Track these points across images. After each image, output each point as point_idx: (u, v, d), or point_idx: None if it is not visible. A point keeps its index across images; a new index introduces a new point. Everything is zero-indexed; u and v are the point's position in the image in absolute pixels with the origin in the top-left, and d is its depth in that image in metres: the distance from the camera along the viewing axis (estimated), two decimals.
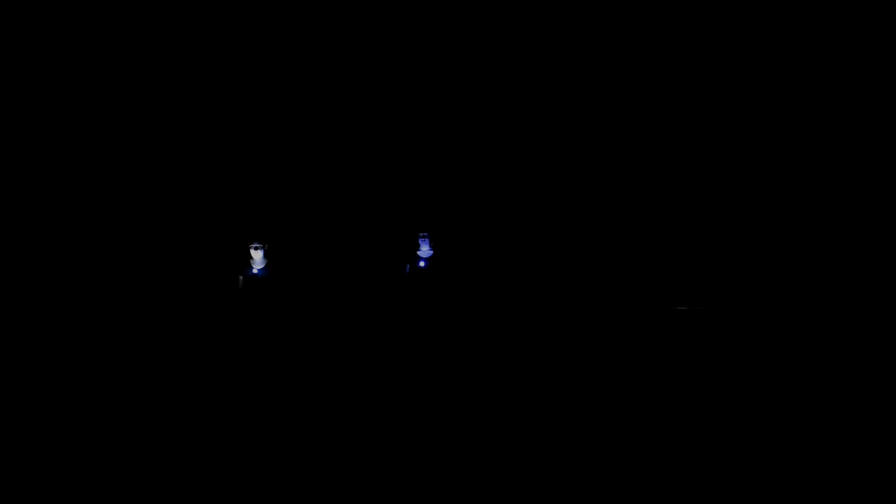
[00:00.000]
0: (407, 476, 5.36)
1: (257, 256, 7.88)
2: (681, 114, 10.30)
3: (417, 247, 9.06)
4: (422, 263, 9.00)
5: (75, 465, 5.46)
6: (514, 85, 10.72)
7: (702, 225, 9.95)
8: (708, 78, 10.17)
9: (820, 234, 9.45)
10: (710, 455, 5.74)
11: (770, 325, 8.42)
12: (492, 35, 10.56)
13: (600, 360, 8.20)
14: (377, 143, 10.87)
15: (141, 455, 5.69)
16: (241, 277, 7.91)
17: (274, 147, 10.53)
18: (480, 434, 6.36)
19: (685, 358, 8.06)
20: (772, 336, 8.22)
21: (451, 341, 8.47)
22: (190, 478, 5.28)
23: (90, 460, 5.58)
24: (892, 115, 9.41)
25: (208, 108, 10.22)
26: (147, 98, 9.98)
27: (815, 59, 9.74)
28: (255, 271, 7.87)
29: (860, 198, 9.45)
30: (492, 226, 10.53)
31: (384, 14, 10.45)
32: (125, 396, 7.26)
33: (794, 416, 6.67)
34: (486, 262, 9.89)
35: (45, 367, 7.85)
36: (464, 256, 8.96)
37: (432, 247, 9.07)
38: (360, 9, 10.40)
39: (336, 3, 10.36)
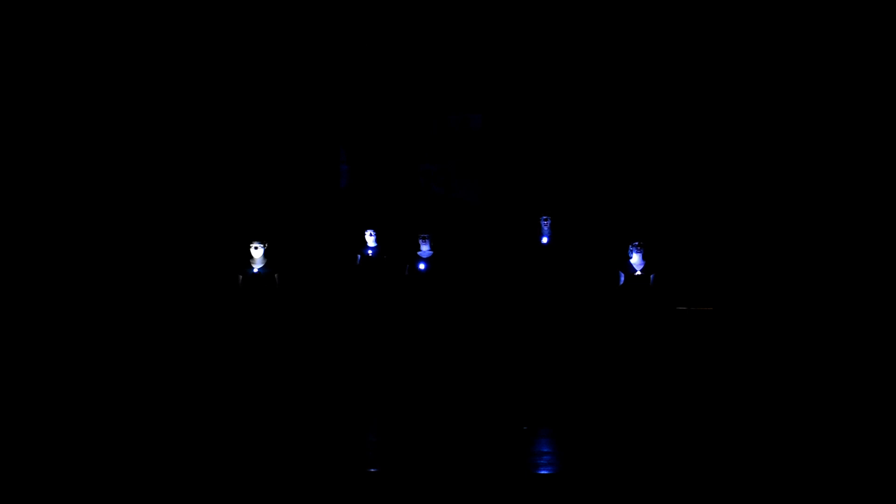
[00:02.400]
0: (406, 476, 5.36)
1: (257, 255, 7.89)
2: (680, 117, 10.28)
3: (418, 247, 9.09)
4: (422, 266, 9.01)
5: (74, 465, 5.44)
6: (514, 87, 10.73)
7: (701, 225, 9.92)
8: (706, 79, 10.16)
9: (820, 235, 9.42)
10: (709, 455, 5.73)
11: (769, 325, 8.37)
12: (490, 36, 10.57)
13: (600, 360, 8.18)
14: (377, 144, 10.91)
15: (140, 454, 5.67)
16: (240, 276, 7.90)
17: (274, 147, 10.55)
18: (480, 434, 6.35)
19: (685, 358, 8.02)
20: (771, 336, 8.16)
21: (450, 341, 8.43)
22: (189, 477, 5.27)
23: (89, 460, 5.56)
24: (892, 115, 9.38)
25: (210, 108, 10.23)
26: (150, 99, 9.97)
27: (816, 61, 9.71)
28: (254, 270, 7.86)
29: (860, 198, 9.40)
30: (492, 226, 10.56)
31: (383, 15, 10.45)
32: (125, 395, 7.23)
33: (793, 416, 6.66)
34: (485, 263, 9.84)
35: (45, 366, 7.82)
36: (464, 257, 8.90)
37: (433, 248, 9.09)
38: (360, 9, 10.42)
39: (335, 4, 10.38)
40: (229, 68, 10.27)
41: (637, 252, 8.07)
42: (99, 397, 7.15)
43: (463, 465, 5.54)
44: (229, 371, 7.74)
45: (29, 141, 9.38)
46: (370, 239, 9.16)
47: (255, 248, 7.86)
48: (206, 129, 10.21)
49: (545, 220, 9.57)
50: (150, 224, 9.66)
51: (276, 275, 7.93)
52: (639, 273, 8.08)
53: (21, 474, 5.25)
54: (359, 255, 9.19)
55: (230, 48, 10.21)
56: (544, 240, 9.59)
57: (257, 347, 7.82)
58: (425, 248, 9.07)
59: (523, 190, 10.65)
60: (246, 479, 5.21)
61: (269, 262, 7.91)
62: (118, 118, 9.83)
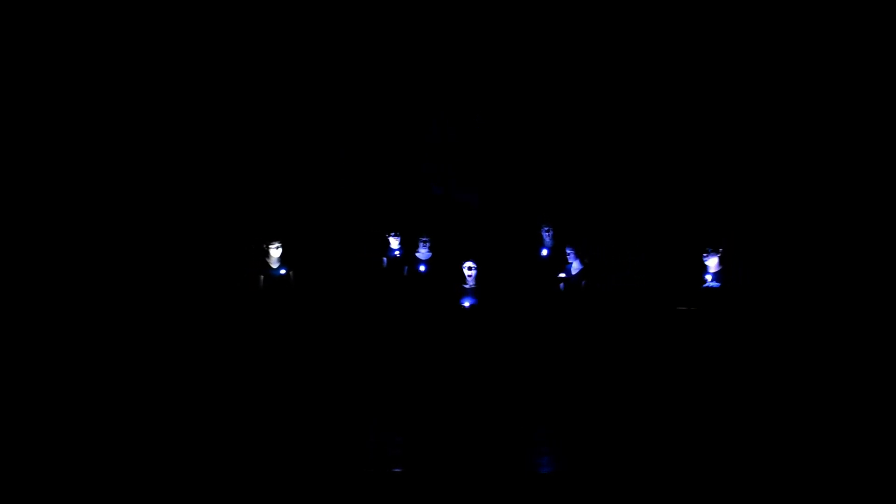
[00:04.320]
0: (405, 476, 5.44)
1: (276, 255, 7.96)
2: (684, 119, 10.24)
3: (417, 249, 9.10)
4: (422, 268, 9.01)
5: (82, 466, 5.48)
6: (514, 89, 10.72)
7: (701, 224, 9.94)
8: (708, 80, 10.10)
9: (819, 235, 9.32)
10: (709, 456, 5.81)
11: (770, 324, 8.23)
12: (494, 38, 10.61)
13: (601, 360, 8.20)
14: (377, 144, 10.96)
15: (148, 453, 5.74)
16: (261, 277, 7.96)
17: (278, 148, 10.61)
18: (481, 435, 6.45)
19: (685, 358, 8.00)
20: (771, 336, 8.07)
21: (452, 342, 8.44)
22: (201, 476, 5.33)
23: (94, 458, 5.64)
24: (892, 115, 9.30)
25: (214, 111, 10.30)
26: (170, 103, 10.01)
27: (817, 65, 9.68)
28: (275, 270, 7.94)
29: (860, 199, 9.34)
30: (493, 227, 10.56)
31: (393, 15, 10.52)
32: (130, 394, 7.28)
33: (794, 416, 6.72)
34: (486, 264, 9.75)
35: (60, 366, 7.85)
36: (463, 259, 8.90)
37: (431, 250, 9.08)
38: (371, 10, 10.49)
39: (348, 4, 10.46)
40: (233, 72, 10.25)
41: (574, 258, 8.37)
42: (112, 396, 7.22)
43: (463, 465, 5.61)
44: (243, 371, 7.79)
45: (56, 145, 9.30)
46: (394, 241, 9.06)
47: (276, 247, 7.97)
48: (208, 131, 10.29)
49: (546, 230, 9.28)
50: (172, 225, 9.59)
51: (290, 273, 8.02)
52: (563, 276, 8.36)
53: (41, 473, 5.28)
54: (385, 259, 9.06)
55: (235, 55, 10.16)
56: (544, 252, 9.26)
57: (273, 347, 7.87)
58: (425, 251, 9.06)
59: (524, 192, 10.54)
60: (247, 478, 5.28)
61: (286, 261, 8.00)
62: (136, 130, 9.82)
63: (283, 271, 7.98)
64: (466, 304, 7.95)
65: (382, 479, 5.32)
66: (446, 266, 8.86)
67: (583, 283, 8.37)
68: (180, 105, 10.07)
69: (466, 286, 8.10)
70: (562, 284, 8.43)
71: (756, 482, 5.22)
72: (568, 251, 8.43)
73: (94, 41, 9.63)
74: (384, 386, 7.89)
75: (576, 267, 8.41)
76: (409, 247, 9.22)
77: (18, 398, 6.99)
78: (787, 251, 9.20)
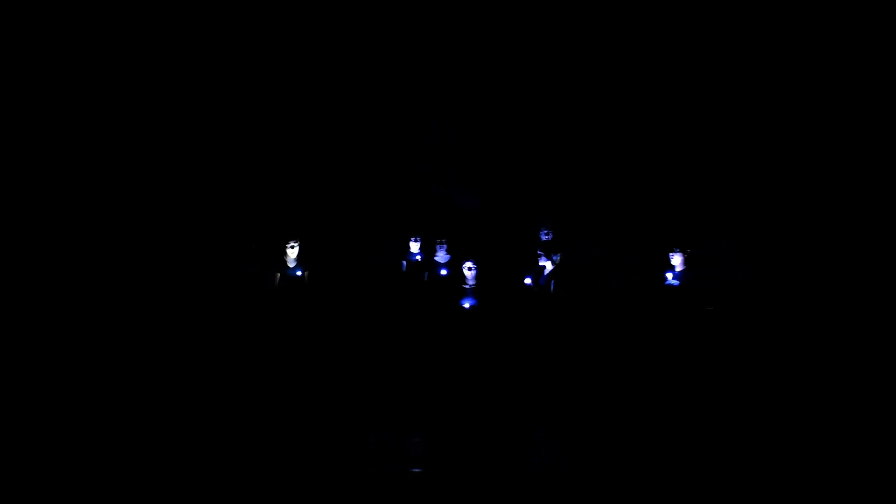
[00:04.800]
0: (406, 477, 5.47)
1: (293, 254, 7.99)
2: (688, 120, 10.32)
3: (434, 253, 9.09)
4: (443, 272, 8.97)
5: (81, 463, 5.53)
6: (513, 89, 10.79)
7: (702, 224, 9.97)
8: (708, 81, 10.22)
9: (820, 235, 9.44)
10: (711, 457, 5.86)
11: (771, 325, 8.34)
12: (494, 38, 10.66)
13: (612, 361, 8.17)
14: (380, 146, 11.04)
15: (156, 453, 5.76)
16: (277, 275, 7.94)
17: (277, 148, 10.65)
18: (481, 435, 6.46)
19: (686, 359, 8.05)
20: (772, 337, 8.14)
21: (466, 345, 8.40)
22: (203, 475, 5.36)
23: (98, 456, 5.67)
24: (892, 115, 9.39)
25: (222, 112, 10.35)
26: (170, 104, 10.06)
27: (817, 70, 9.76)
28: (292, 269, 7.95)
29: (860, 199, 9.40)
30: (505, 230, 10.61)
31: (393, 15, 10.56)
32: (150, 394, 7.26)
33: (796, 416, 6.74)
34: (500, 267, 9.76)
35: (72, 367, 7.85)
36: (479, 262, 8.88)
37: (449, 252, 9.08)
38: (371, 10, 10.52)
39: (348, 4, 10.50)
40: (234, 73, 10.35)
41: (545, 260, 8.38)
42: (121, 395, 7.20)
43: (463, 465, 5.65)
44: (253, 370, 7.76)
45: (77, 148, 9.28)
46: (414, 246, 9.00)
47: (292, 246, 8.00)
48: (208, 131, 10.31)
49: (546, 234, 9.15)
50: (188, 224, 9.57)
51: (306, 274, 8.03)
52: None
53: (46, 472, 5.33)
54: (404, 262, 9.00)
55: (236, 56, 10.27)
56: (553, 242, 9.07)
57: (285, 347, 7.85)
58: (442, 253, 9.05)
59: (524, 192, 10.59)
60: (252, 478, 5.33)
61: (302, 261, 8.02)
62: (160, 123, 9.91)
63: (299, 272, 7.98)
64: (466, 304, 7.94)
65: (382, 479, 5.36)
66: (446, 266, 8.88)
67: (552, 283, 8.33)
68: (181, 107, 10.09)
69: (466, 286, 8.07)
70: (530, 281, 8.37)
71: (751, 480, 5.30)
72: (539, 253, 8.41)
73: (100, 43, 9.65)
74: (385, 386, 7.91)
75: (548, 269, 8.41)
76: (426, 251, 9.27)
77: (32, 398, 7.05)
78: (761, 254, 9.26)
